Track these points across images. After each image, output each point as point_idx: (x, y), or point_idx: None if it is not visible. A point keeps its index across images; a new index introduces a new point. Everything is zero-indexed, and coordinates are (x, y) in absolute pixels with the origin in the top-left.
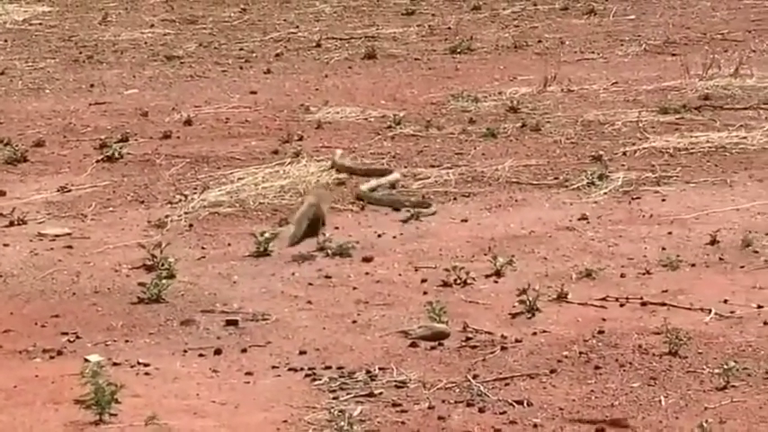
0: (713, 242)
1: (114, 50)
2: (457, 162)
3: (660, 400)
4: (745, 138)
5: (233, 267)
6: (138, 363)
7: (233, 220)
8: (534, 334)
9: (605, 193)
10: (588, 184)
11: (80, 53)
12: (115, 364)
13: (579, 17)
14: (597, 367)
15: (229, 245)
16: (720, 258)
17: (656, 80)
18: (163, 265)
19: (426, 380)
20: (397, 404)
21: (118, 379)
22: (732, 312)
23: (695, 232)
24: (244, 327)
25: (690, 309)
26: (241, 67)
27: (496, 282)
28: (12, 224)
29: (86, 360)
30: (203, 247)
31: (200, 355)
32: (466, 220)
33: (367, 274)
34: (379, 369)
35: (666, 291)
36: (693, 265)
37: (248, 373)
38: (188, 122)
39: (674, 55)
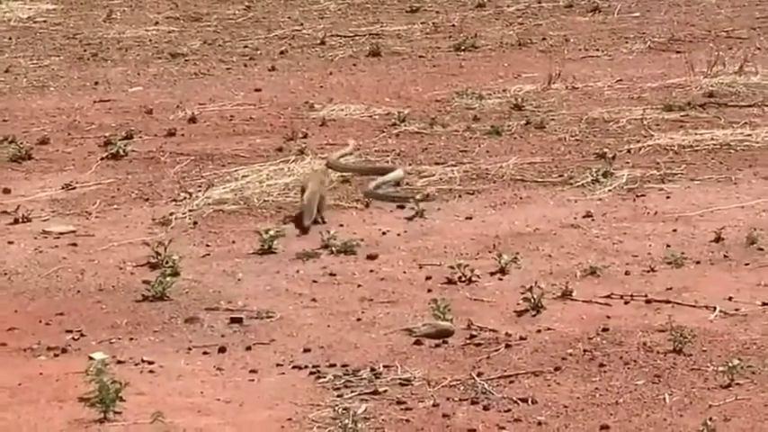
0: (718, 239)
1: (119, 48)
2: (461, 159)
3: (664, 398)
4: (749, 135)
5: (237, 265)
6: (143, 360)
7: (237, 217)
8: (539, 331)
9: (610, 191)
10: (593, 182)
11: (84, 51)
12: (119, 361)
13: (584, 14)
14: (602, 365)
15: (234, 242)
16: (725, 256)
17: (660, 77)
18: (167, 262)
19: (431, 377)
20: (401, 402)
21: (122, 377)
22: (737, 310)
23: (700, 230)
24: (248, 324)
25: (694, 306)
26: (245, 65)
27: (501, 279)
28: (16, 222)
29: (91, 358)
30: (208, 245)
31: (205, 353)
32: (470, 218)
33: (371, 271)
34: (384, 367)
35: (671, 288)
36: (698, 262)
37: (253, 371)
38: (192, 120)
39: (678, 52)
